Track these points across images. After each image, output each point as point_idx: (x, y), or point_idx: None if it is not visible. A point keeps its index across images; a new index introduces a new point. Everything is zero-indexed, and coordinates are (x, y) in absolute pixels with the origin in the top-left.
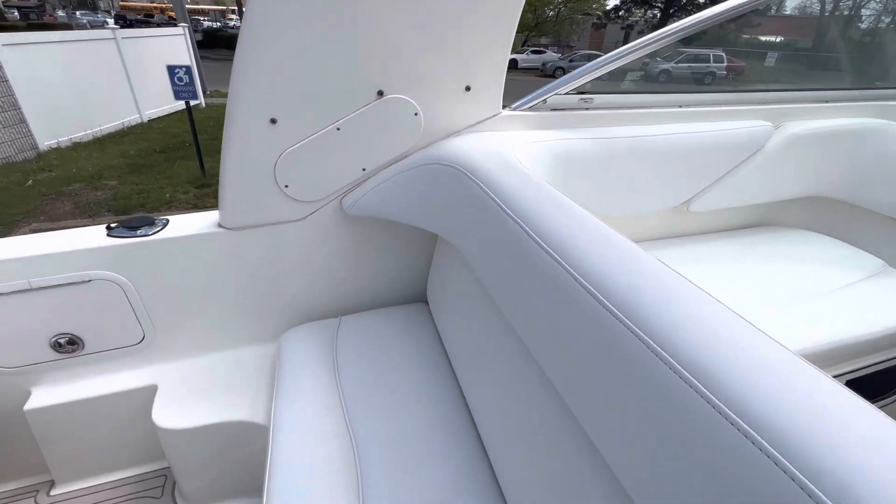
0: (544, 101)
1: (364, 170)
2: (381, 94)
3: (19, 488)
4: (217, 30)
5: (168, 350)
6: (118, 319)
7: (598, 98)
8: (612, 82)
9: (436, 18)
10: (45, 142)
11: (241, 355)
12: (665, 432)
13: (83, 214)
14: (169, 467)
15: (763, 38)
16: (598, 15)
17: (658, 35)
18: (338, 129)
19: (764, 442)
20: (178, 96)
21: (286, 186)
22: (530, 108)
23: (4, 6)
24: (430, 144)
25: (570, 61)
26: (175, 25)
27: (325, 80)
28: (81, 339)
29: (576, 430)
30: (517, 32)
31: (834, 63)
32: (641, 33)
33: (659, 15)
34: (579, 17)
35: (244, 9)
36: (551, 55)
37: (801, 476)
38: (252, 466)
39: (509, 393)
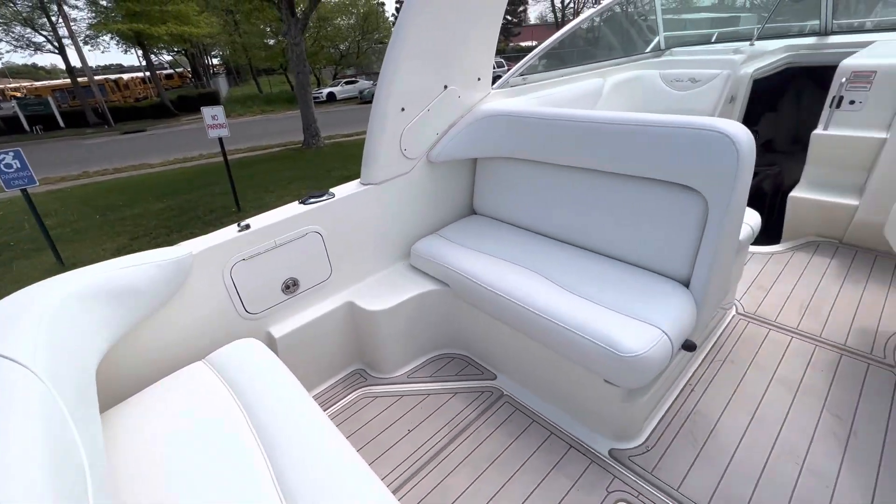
0: (507, 82)
1: (437, 133)
2: (445, 87)
3: None
4: None
5: (345, 279)
6: (316, 262)
7: (530, 76)
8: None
9: (463, 29)
10: None
11: (390, 273)
12: None
13: None
14: (361, 368)
15: (523, 44)
16: None
17: (557, 37)
18: (429, 110)
19: None
20: (9, 185)
21: (405, 149)
22: (501, 87)
23: None
24: (466, 113)
25: None
26: None
27: (427, 80)
28: (298, 281)
29: None
30: (327, 67)
31: (581, 51)
32: None
33: None
34: (377, 46)
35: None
36: (364, 83)
37: None
38: (440, 325)
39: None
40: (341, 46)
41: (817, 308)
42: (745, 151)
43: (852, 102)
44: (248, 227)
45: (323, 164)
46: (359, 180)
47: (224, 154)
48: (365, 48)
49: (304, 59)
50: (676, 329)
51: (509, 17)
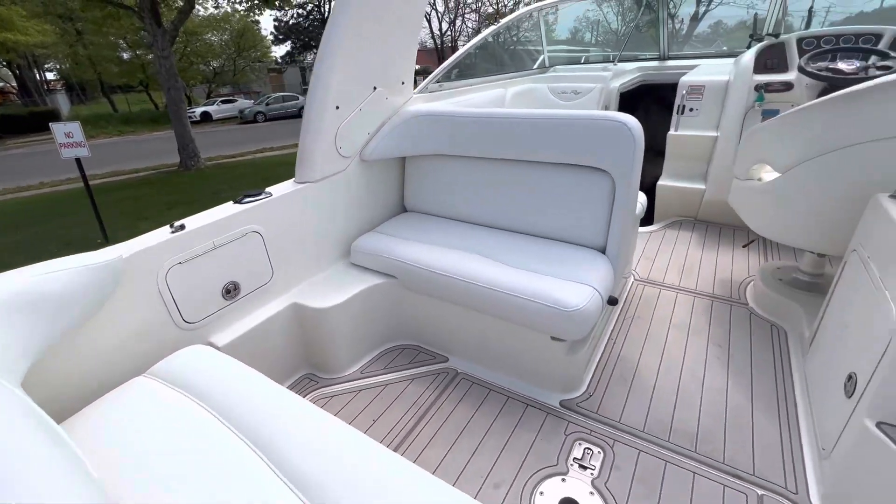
0: (426, 87)
1: (368, 133)
2: (374, 88)
3: None
4: None
5: (287, 281)
6: (257, 264)
7: (445, 83)
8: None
9: (386, 36)
10: None
11: (332, 272)
12: None
13: None
14: (310, 372)
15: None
16: (277, 61)
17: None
18: (360, 110)
19: None
20: None
21: (340, 147)
22: (421, 92)
23: None
24: (393, 115)
25: (267, 105)
26: None
27: (357, 81)
28: (239, 285)
29: None
30: (199, 85)
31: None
32: None
33: None
34: (256, 65)
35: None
36: (244, 102)
37: None
38: (389, 317)
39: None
40: (214, 64)
41: (690, 269)
42: (638, 136)
43: (691, 110)
44: (182, 227)
45: (207, 187)
46: (293, 179)
47: (84, 176)
48: (242, 66)
49: (175, 74)
50: (603, 286)
51: None
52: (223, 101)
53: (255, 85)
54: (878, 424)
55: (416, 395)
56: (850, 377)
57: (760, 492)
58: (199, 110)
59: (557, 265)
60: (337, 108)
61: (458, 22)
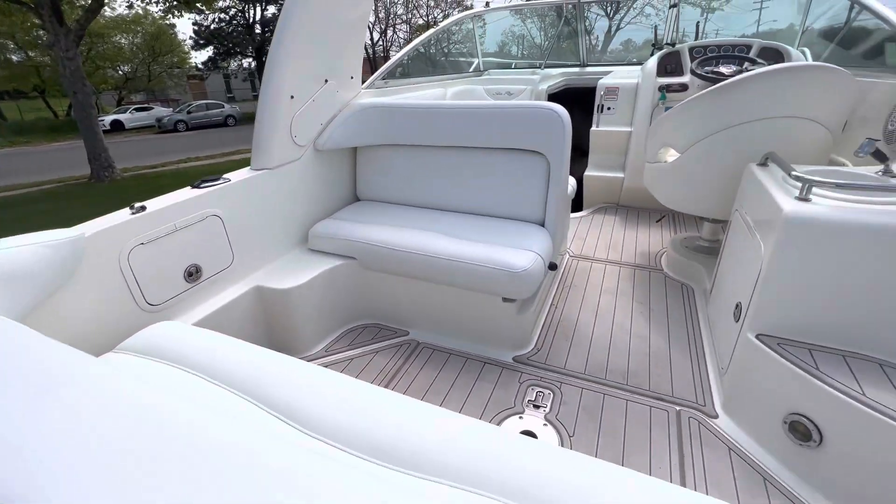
0: (373, 83)
1: (322, 123)
2: (326, 80)
3: None
4: None
5: (247, 265)
6: (218, 247)
7: (391, 81)
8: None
9: (336, 33)
10: None
11: (290, 258)
12: None
13: None
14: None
15: None
16: (198, 67)
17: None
18: (314, 100)
19: None
20: None
21: (296, 136)
22: (368, 88)
23: None
24: (346, 106)
25: (189, 112)
26: None
27: (311, 72)
28: (201, 268)
29: None
30: (107, 91)
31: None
32: (245, 81)
33: (254, 63)
34: (174, 70)
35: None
36: (162, 110)
37: None
38: (350, 298)
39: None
40: (125, 68)
41: (615, 245)
42: (566, 122)
43: (609, 108)
44: (143, 209)
45: (126, 199)
46: (249, 167)
47: None
48: (158, 72)
49: (82, 77)
50: (544, 252)
51: None
52: (137, 109)
53: (174, 92)
54: (758, 336)
55: (381, 365)
56: (737, 306)
57: (678, 408)
58: (108, 119)
59: (504, 236)
60: (291, 97)
61: (390, 32)
